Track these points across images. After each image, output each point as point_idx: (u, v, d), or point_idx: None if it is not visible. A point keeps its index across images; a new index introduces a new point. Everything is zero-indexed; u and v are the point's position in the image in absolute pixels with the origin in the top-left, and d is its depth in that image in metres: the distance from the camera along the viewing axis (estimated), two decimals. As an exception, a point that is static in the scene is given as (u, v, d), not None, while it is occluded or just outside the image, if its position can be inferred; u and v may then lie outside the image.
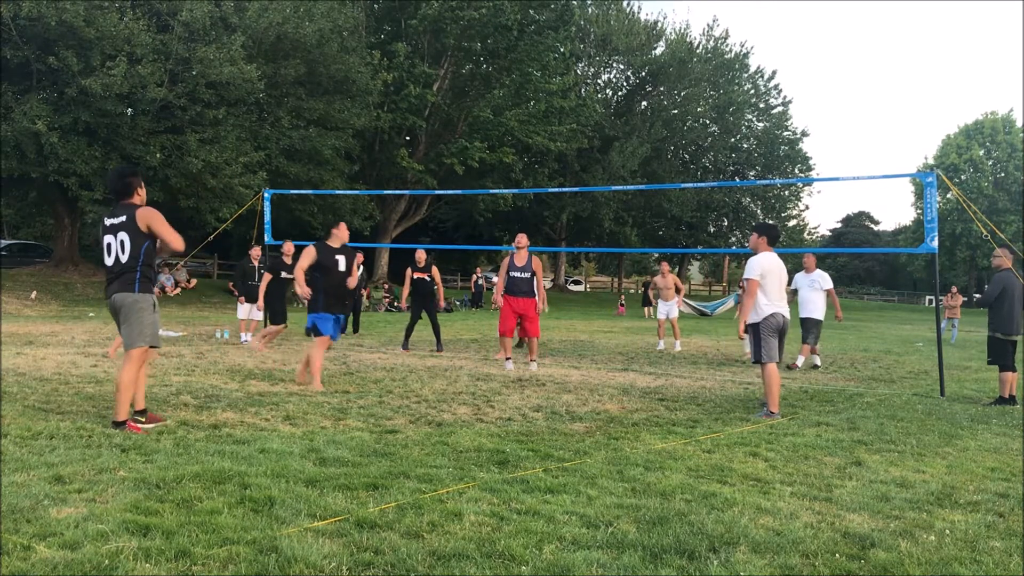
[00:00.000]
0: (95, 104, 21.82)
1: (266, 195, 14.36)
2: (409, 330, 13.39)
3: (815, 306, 12.17)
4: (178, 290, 25.53)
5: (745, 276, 7.67)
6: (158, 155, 23.12)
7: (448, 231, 48.82)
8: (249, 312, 13.68)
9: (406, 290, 13.59)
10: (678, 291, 15.49)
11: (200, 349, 11.94)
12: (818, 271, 12.31)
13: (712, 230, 56.25)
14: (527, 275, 10.62)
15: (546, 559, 3.39)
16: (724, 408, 7.81)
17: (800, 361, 12.23)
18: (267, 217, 14.13)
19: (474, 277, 34.66)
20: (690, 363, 12.65)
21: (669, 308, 15.21)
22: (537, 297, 10.75)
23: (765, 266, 7.45)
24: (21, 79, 22.90)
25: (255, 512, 3.88)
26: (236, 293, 13.97)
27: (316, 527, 3.69)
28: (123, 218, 5.78)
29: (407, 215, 38.27)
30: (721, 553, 3.54)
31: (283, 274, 12.20)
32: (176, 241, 5.89)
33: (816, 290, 12.20)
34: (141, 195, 5.98)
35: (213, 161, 23.50)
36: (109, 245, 5.86)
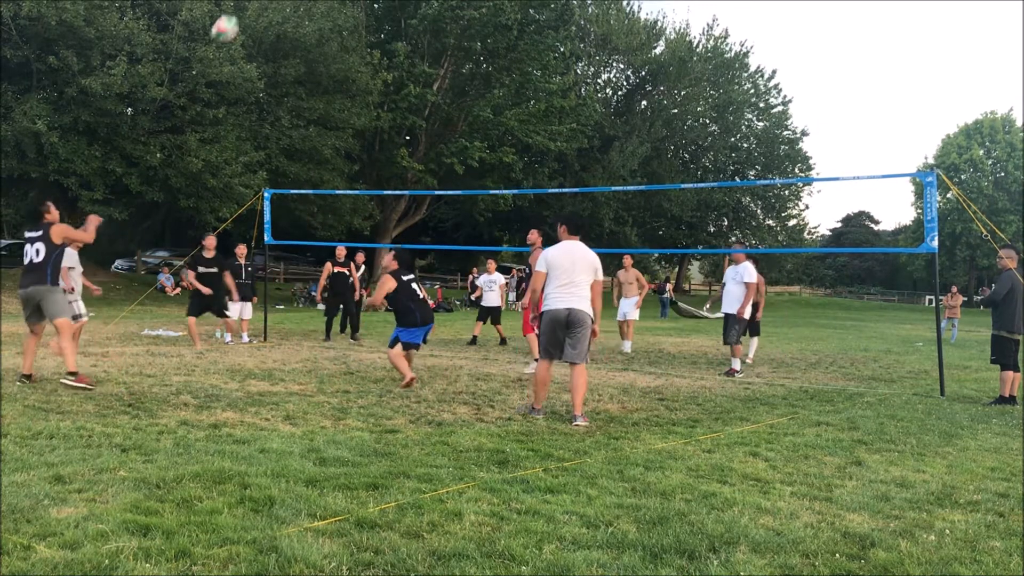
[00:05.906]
0: (95, 104, 21.80)
1: (266, 195, 14.36)
2: (329, 324, 14.58)
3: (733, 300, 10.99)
4: (178, 290, 25.57)
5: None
6: (158, 155, 23.11)
7: (448, 231, 48.76)
8: (240, 311, 13.81)
9: (322, 284, 14.71)
10: (641, 287, 14.53)
11: (200, 349, 11.94)
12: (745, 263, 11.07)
13: (712, 230, 56.20)
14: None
15: (546, 559, 3.39)
16: (724, 408, 7.81)
17: (736, 364, 10.97)
18: (267, 217, 14.14)
19: (471, 277, 34.61)
20: (690, 363, 12.64)
21: (628, 309, 14.31)
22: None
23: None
24: (21, 79, 22.88)
25: (255, 512, 3.89)
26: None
27: (316, 527, 3.69)
28: (40, 232, 7.60)
29: (407, 215, 38.25)
30: (721, 553, 3.54)
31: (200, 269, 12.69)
32: (86, 236, 7.81)
33: (737, 283, 11.03)
34: (53, 213, 7.75)
35: (213, 161, 23.49)
36: (26, 251, 7.59)
